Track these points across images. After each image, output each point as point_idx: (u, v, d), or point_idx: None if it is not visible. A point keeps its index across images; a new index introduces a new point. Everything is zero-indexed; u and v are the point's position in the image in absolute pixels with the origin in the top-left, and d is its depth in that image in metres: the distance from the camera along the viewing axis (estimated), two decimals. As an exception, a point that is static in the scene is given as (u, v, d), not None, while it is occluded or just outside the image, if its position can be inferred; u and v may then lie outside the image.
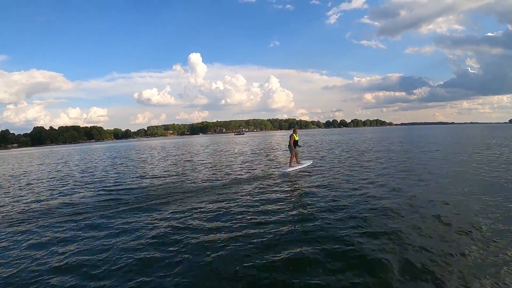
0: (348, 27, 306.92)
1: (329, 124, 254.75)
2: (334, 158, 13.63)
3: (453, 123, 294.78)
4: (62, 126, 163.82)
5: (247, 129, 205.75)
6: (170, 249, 4.03)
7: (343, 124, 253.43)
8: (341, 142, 27.58)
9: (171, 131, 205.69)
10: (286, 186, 7.75)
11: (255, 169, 11.26)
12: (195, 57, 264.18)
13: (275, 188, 7.52)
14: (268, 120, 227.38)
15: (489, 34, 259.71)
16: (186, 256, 3.80)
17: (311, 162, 11.51)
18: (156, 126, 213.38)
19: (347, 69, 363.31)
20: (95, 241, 4.46)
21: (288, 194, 6.81)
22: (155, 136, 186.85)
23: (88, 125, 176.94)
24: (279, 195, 6.70)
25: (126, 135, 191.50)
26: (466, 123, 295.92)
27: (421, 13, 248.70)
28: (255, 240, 4.16)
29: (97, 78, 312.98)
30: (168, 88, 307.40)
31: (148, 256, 3.85)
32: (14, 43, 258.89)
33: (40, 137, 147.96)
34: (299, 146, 10.30)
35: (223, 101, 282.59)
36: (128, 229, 4.88)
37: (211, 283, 3.18)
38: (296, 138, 9.79)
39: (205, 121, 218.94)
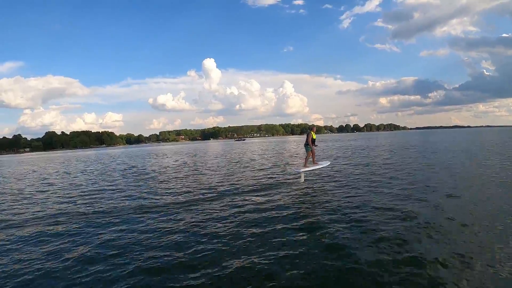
0: (361, 31, 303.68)
1: (342, 129, 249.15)
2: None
3: (469, 126, 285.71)
4: (74, 131, 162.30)
5: (258, 134, 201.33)
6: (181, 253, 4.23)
7: (356, 128, 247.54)
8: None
9: (183, 137, 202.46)
10: (301, 191, 7.91)
11: (267, 174, 11.23)
12: (209, 63, 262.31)
13: (289, 194, 7.59)
14: (280, 125, 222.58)
15: (504, 35, 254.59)
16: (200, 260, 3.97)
17: (329, 163, 10.89)
18: (168, 132, 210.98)
19: (361, 73, 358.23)
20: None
21: (305, 200, 6.86)
22: (167, 142, 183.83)
23: (104, 130, 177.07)
24: (292, 203, 6.66)
25: (138, 140, 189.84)
26: (482, 126, 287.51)
27: (435, 15, 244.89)
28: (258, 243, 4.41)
29: (112, 83, 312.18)
30: (183, 93, 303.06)
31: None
32: (31, 49, 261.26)
33: (51, 142, 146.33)
34: (316, 146, 10.15)
35: (237, 107, 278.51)
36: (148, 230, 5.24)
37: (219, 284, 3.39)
38: (314, 137, 9.59)
39: (217, 126, 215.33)
